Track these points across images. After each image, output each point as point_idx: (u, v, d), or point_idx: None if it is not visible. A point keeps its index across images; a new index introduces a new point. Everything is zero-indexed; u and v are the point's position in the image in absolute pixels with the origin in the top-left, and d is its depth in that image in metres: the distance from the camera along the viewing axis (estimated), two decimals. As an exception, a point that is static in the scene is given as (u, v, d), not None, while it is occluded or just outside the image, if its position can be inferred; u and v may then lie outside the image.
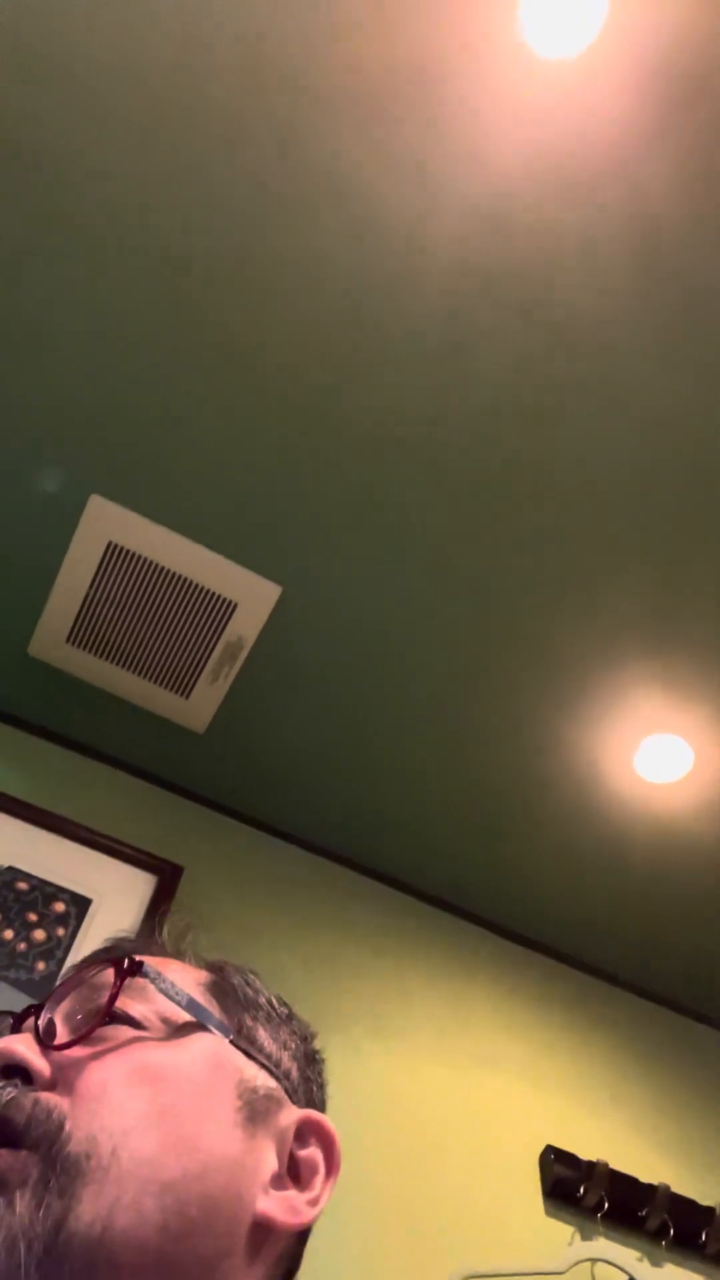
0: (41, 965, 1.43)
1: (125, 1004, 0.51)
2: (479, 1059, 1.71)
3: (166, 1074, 0.49)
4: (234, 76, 1.16)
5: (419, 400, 1.38)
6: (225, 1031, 0.53)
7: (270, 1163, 0.50)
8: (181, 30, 1.14)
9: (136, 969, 0.52)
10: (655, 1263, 1.57)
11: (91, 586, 1.57)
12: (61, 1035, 0.51)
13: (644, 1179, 1.61)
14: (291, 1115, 0.52)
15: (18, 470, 1.50)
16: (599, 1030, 1.85)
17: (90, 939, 1.48)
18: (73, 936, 1.48)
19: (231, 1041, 0.53)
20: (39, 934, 1.46)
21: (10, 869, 1.51)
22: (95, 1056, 0.49)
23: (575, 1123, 1.69)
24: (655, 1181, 1.61)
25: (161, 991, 0.52)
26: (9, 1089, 0.47)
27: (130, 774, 1.78)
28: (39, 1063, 0.48)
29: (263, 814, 1.83)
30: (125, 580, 1.56)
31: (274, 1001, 0.58)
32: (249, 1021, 0.55)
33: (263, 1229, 0.48)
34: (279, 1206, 0.49)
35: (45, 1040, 0.49)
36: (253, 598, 1.56)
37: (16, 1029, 0.54)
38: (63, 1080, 0.48)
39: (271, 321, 1.33)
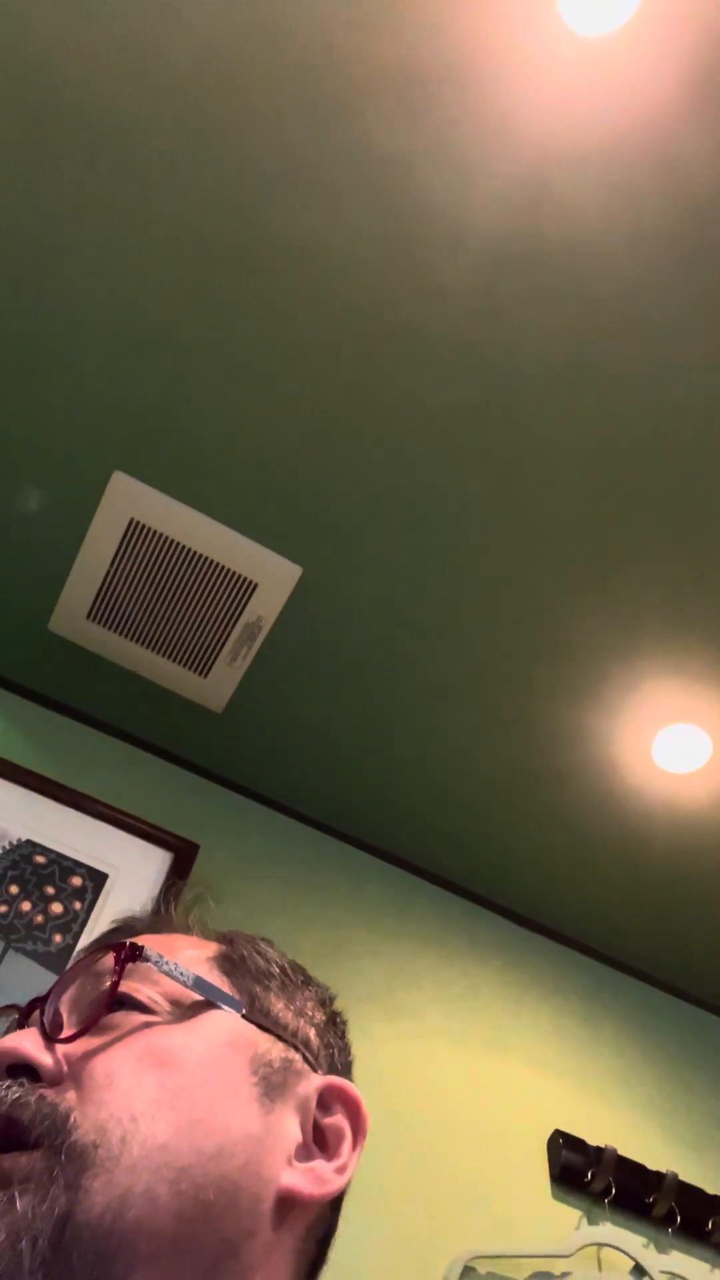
0: (58, 938, 1.44)
1: (132, 988, 0.51)
2: (489, 1043, 1.72)
3: (176, 1056, 0.48)
4: (267, 56, 1.15)
5: (443, 381, 1.37)
6: (235, 1007, 0.52)
7: (293, 1134, 0.49)
8: (213, 15, 1.13)
9: (136, 953, 0.51)
10: (661, 1249, 1.58)
11: (112, 564, 1.58)
12: (68, 1026, 0.50)
13: (652, 1166, 1.62)
14: (312, 1084, 0.52)
15: (41, 446, 1.50)
16: (610, 1017, 1.86)
17: (107, 913, 1.49)
18: (89, 910, 1.49)
19: (243, 1016, 0.52)
20: (56, 907, 1.47)
21: (28, 842, 1.52)
22: (103, 1046, 0.48)
23: (584, 1108, 1.70)
24: (663, 1169, 1.61)
25: (165, 973, 0.51)
26: (14, 1088, 0.46)
27: (148, 751, 1.79)
28: (44, 1058, 0.47)
29: (278, 794, 1.83)
30: (146, 558, 1.56)
31: (288, 969, 0.57)
32: (260, 992, 0.54)
33: (289, 1203, 0.48)
34: (304, 1179, 0.48)
35: (51, 1033, 0.49)
36: (273, 578, 1.56)
37: (23, 1024, 0.53)
38: (71, 1073, 0.47)
39: (299, 302, 1.32)
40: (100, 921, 1.48)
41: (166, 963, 0.52)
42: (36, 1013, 0.51)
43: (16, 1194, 0.43)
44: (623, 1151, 1.61)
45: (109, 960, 0.51)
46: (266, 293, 1.32)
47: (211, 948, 0.57)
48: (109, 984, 0.50)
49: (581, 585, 1.52)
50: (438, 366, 1.35)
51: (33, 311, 1.38)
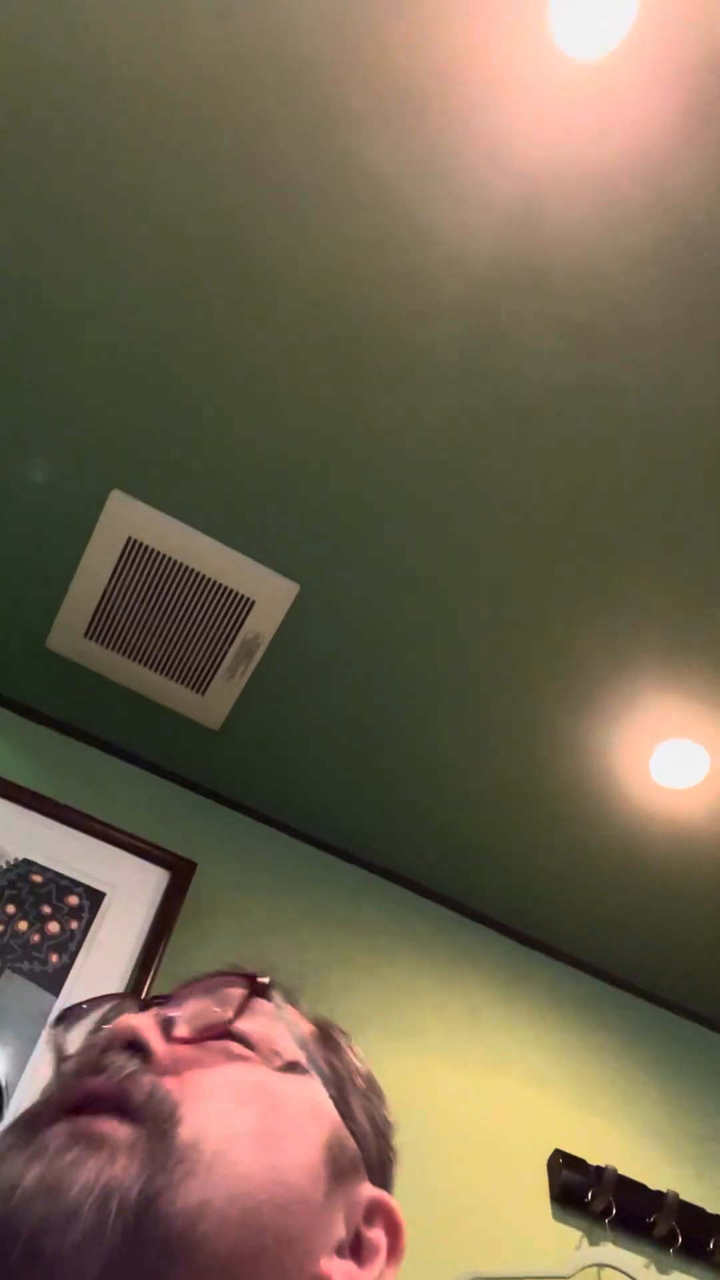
0: (55, 957, 1.44)
1: (245, 1022, 0.51)
2: (489, 1061, 1.71)
3: (274, 1099, 0.49)
4: (259, 76, 1.16)
5: (440, 399, 1.37)
6: (327, 1084, 0.53)
7: (339, 1228, 0.49)
8: (206, 32, 1.14)
9: (266, 990, 0.52)
10: (662, 1270, 1.56)
11: (110, 581, 1.58)
12: (181, 1033, 0.51)
13: (652, 1185, 1.61)
14: (366, 1191, 0.52)
15: (38, 464, 1.50)
16: (609, 1035, 1.85)
17: (104, 932, 1.49)
18: (86, 929, 1.48)
19: (332, 1096, 0.52)
20: (53, 926, 1.47)
21: (25, 861, 1.52)
22: (211, 1061, 0.49)
23: (584, 1127, 1.69)
24: (664, 1188, 1.60)
25: (281, 1020, 0.53)
26: (131, 1063, 0.48)
27: (145, 769, 1.79)
28: (160, 1047, 0.49)
29: (276, 811, 1.83)
30: (144, 576, 1.57)
31: (372, 1077, 0.58)
32: (348, 1084, 0.55)
33: None
34: (340, 1272, 0.48)
35: (166, 1031, 0.50)
36: (270, 595, 1.56)
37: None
38: (176, 1073, 0.48)
39: (293, 320, 1.33)
40: (96, 940, 1.47)
41: (287, 1011, 0.53)
42: (155, 1009, 0.52)
43: (118, 1154, 0.43)
44: (623, 1171, 1.60)
45: (236, 989, 0.53)
46: (262, 310, 1.33)
47: (309, 1025, 0.58)
48: (231, 1011, 0.51)
49: (580, 601, 1.52)
50: (434, 382, 1.36)
51: (27, 330, 1.39)
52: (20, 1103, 1.29)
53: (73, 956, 1.45)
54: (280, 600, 1.57)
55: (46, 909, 1.48)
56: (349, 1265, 0.49)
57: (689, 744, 1.63)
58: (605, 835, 1.75)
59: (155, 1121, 0.45)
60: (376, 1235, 0.51)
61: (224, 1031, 0.50)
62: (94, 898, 1.52)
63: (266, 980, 0.53)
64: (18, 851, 1.52)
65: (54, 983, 1.41)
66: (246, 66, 1.16)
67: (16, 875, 1.50)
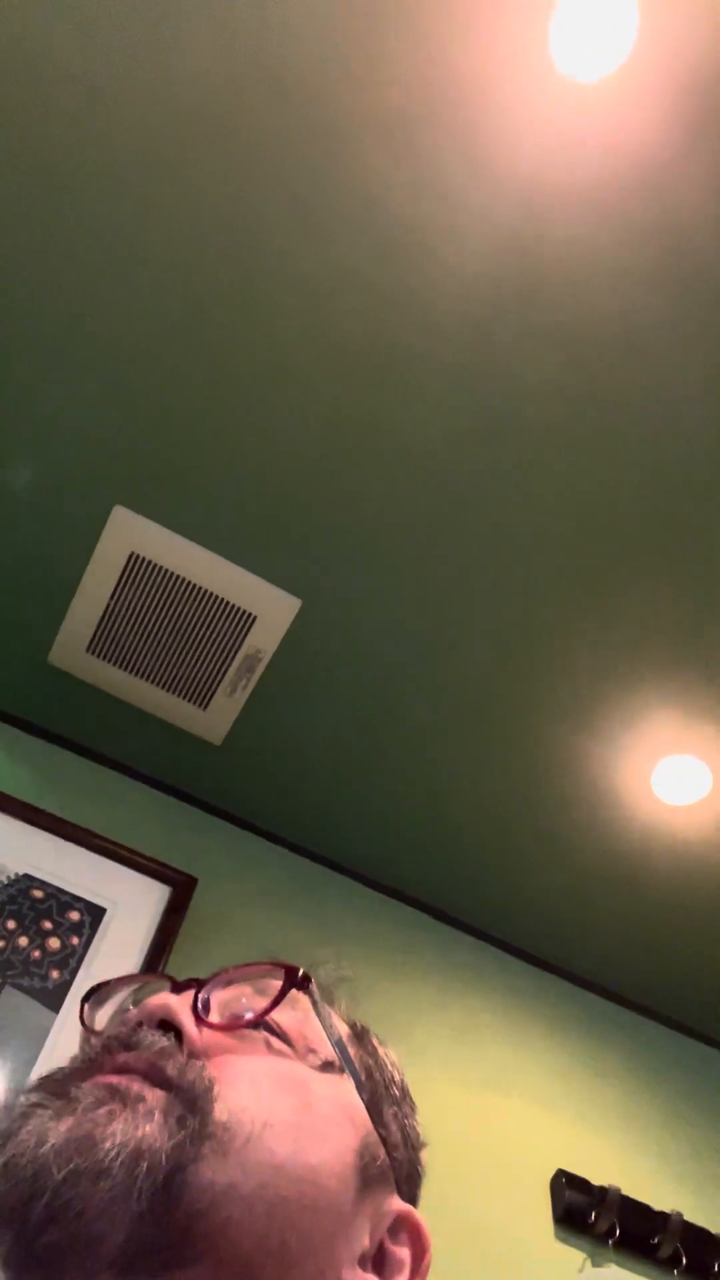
0: (56, 973, 1.43)
1: (281, 1015, 0.50)
2: (490, 1080, 1.70)
3: (310, 1095, 0.48)
4: (264, 98, 1.18)
5: (442, 417, 1.38)
6: (361, 1090, 0.51)
7: (363, 1239, 0.48)
8: (211, 54, 1.16)
9: (305, 983, 0.51)
10: (667, 1292, 1.55)
11: (112, 597, 1.58)
12: (215, 1018, 0.50)
13: (657, 1206, 1.59)
14: (394, 1204, 0.51)
15: (42, 480, 1.51)
16: (612, 1054, 1.84)
17: (105, 948, 1.48)
18: (87, 945, 1.48)
19: (365, 1102, 0.51)
20: (54, 942, 1.46)
21: (26, 876, 1.51)
22: (244, 1049, 0.48)
23: (587, 1147, 1.67)
24: (668, 1209, 1.59)
25: (319, 1017, 0.52)
26: (163, 1040, 0.46)
27: (147, 784, 1.78)
28: (193, 1029, 0.48)
29: (278, 826, 1.83)
30: (146, 591, 1.57)
31: (407, 1088, 0.57)
32: (383, 1091, 0.54)
33: None
34: None
35: (200, 1014, 0.49)
36: (272, 610, 1.57)
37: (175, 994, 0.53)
38: (209, 1057, 0.47)
39: (295, 337, 1.34)
40: (97, 956, 1.47)
41: (324, 1008, 0.52)
42: (191, 992, 0.51)
43: (152, 1114, 0.42)
44: (627, 1191, 1.58)
45: (275, 981, 0.52)
46: (264, 326, 1.34)
47: (346, 1028, 0.56)
48: (268, 1000, 0.50)
49: (581, 615, 1.52)
50: (435, 398, 1.37)
51: (32, 346, 1.40)
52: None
53: (73, 973, 1.44)
54: (282, 615, 1.57)
55: (47, 924, 1.47)
56: (370, 1277, 0.47)
57: (691, 760, 1.63)
58: (607, 852, 1.74)
59: (190, 1094, 0.44)
60: (401, 1251, 0.50)
61: (258, 1021, 0.49)
62: (95, 913, 1.52)
63: (306, 974, 0.51)
64: (18, 867, 1.52)
65: (54, 999, 1.40)
66: (246, 86, 1.17)
67: (17, 890, 1.49)
